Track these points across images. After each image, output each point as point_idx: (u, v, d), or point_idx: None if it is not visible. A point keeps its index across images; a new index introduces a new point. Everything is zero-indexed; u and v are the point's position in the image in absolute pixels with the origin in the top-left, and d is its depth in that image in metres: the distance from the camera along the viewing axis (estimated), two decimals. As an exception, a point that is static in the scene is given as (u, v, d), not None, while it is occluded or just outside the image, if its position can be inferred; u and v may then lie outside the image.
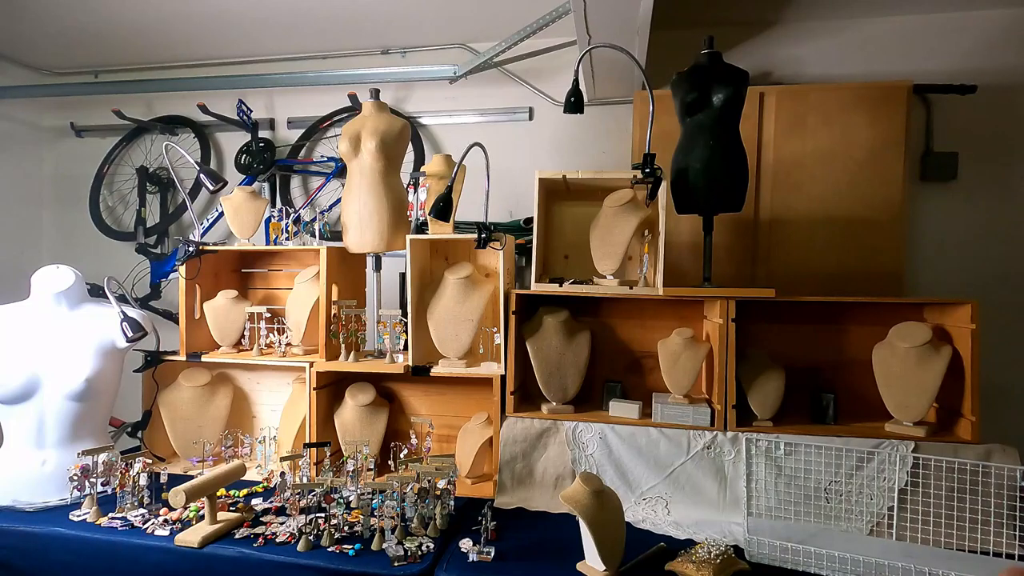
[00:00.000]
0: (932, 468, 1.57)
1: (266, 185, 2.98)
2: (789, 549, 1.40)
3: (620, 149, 2.67)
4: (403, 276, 2.15)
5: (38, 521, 1.61)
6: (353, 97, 2.78)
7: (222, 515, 1.60)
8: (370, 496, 1.61)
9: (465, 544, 1.48)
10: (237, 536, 1.53)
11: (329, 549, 1.46)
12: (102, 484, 1.71)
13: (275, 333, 2.15)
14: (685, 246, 2.25)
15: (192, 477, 1.73)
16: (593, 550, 1.34)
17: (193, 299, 2.17)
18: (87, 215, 3.15)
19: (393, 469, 1.94)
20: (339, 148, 2.10)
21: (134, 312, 1.92)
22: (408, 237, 1.92)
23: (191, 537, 1.49)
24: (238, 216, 2.20)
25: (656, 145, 1.75)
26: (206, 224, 2.86)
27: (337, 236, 2.22)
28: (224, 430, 2.13)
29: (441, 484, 1.60)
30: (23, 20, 2.64)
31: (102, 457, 1.72)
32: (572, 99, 1.72)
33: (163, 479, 1.78)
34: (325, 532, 1.49)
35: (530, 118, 2.80)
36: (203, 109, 2.90)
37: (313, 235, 2.16)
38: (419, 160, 2.78)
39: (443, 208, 1.79)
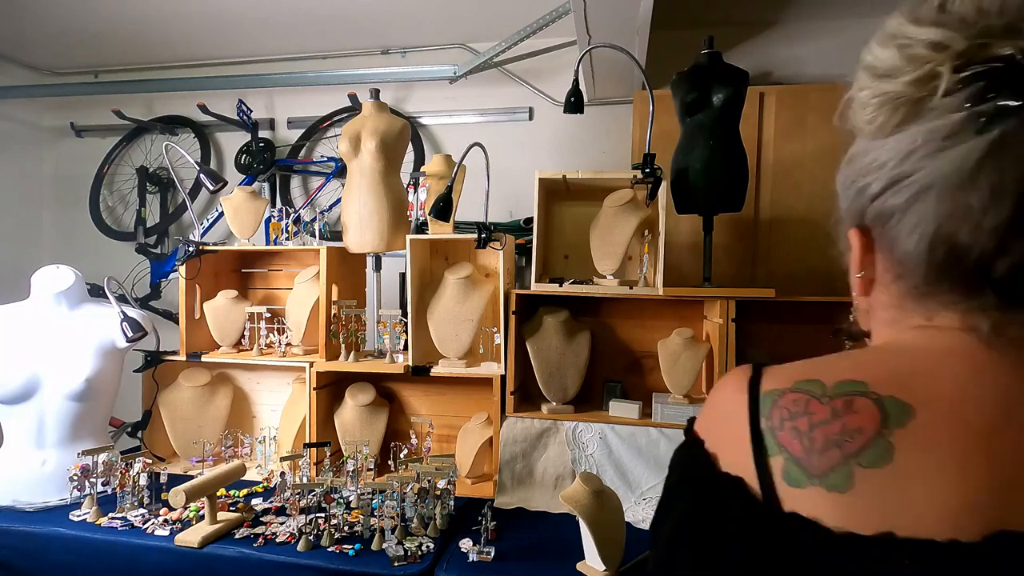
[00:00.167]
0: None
1: (266, 185, 2.98)
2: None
3: (620, 149, 2.67)
4: (403, 276, 2.15)
5: (38, 521, 1.61)
6: (353, 97, 2.78)
7: (222, 515, 1.60)
8: (370, 496, 1.61)
9: (465, 544, 1.48)
10: (237, 536, 1.53)
11: (329, 549, 1.46)
12: (102, 484, 1.71)
13: (275, 333, 2.15)
14: (685, 246, 2.25)
15: (192, 477, 1.73)
16: (593, 550, 1.34)
17: (193, 299, 2.17)
18: (87, 215, 3.15)
19: (393, 469, 1.94)
20: (339, 148, 2.10)
21: (134, 312, 1.92)
22: (408, 237, 1.92)
23: (191, 537, 1.49)
24: (238, 216, 2.20)
25: (656, 145, 1.75)
26: (206, 224, 2.86)
27: (337, 236, 2.22)
28: (224, 430, 2.13)
29: (441, 484, 1.60)
30: (23, 20, 2.64)
31: (102, 457, 1.72)
32: (572, 99, 1.72)
33: (163, 479, 1.78)
34: (325, 532, 1.49)
35: (530, 118, 2.80)
36: (203, 109, 2.90)
37: (313, 235, 2.16)
38: (419, 160, 2.78)
39: (443, 208, 1.79)
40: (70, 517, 1.63)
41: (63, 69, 3.17)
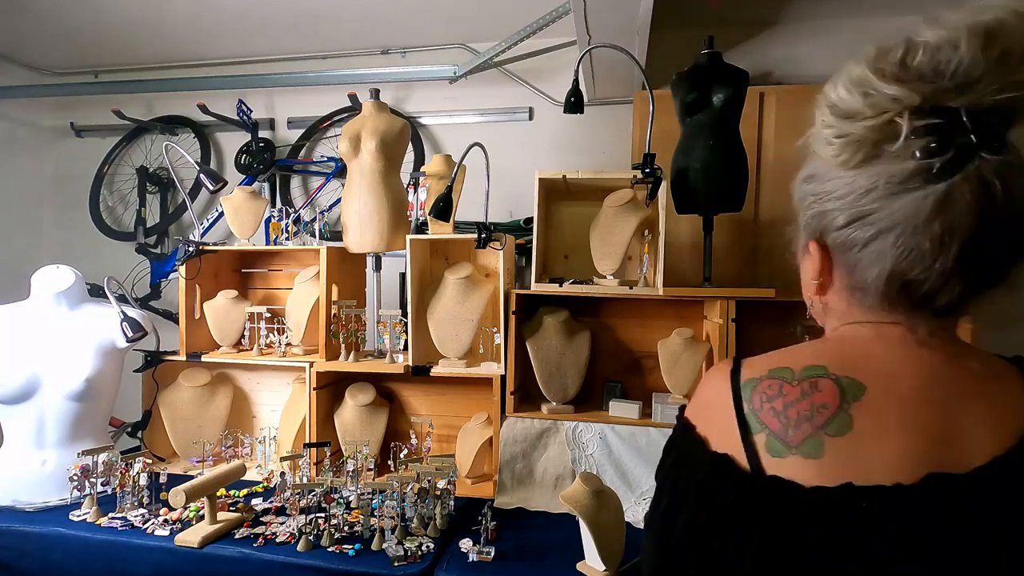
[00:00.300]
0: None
1: (266, 185, 2.98)
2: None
3: (620, 149, 2.67)
4: (403, 276, 2.15)
5: (38, 521, 1.61)
6: (353, 97, 2.78)
7: (222, 515, 1.60)
8: (370, 496, 1.61)
9: (465, 544, 1.48)
10: (237, 536, 1.53)
11: (329, 549, 1.46)
12: (102, 484, 1.71)
13: (275, 333, 2.15)
14: (685, 246, 2.25)
15: (192, 477, 1.73)
16: (593, 550, 1.34)
17: (193, 299, 2.17)
18: (87, 215, 3.15)
19: (393, 469, 1.94)
20: (339, 148, 2.10)
21: (134, 312, 1.92)
22: (408, 237, 1.92)
23: (191, 537, 1.49)
24: (238, 216, 2.20)
25: (656, 145, 1.75)
26: (206, 224, 2.86)
27: (337, 236, 2.22)
28: (224, 430, 2.13)
29: (441, 484, 1.60)
30: (23, 20, 2.64)
31: (102, 457, 1.72)
32: (572, 99, 1.72)
33: (163, 479, 1.78)
34: (325, 532, 1.49)
35: (530, 118, 2.79)
36: (203, 109, 2.90)
37: (313, 235, 2.16)
38: (419, 160, 2.78)
39: (443, 208, 1.79)
40: (70, 517, 1.63)
41: (63, 69, 3.17)
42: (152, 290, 2.95)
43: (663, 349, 1.86)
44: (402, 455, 1.89)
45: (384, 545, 1.46)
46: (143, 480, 1.70)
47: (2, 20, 2.62)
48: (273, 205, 2.92)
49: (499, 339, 1.90)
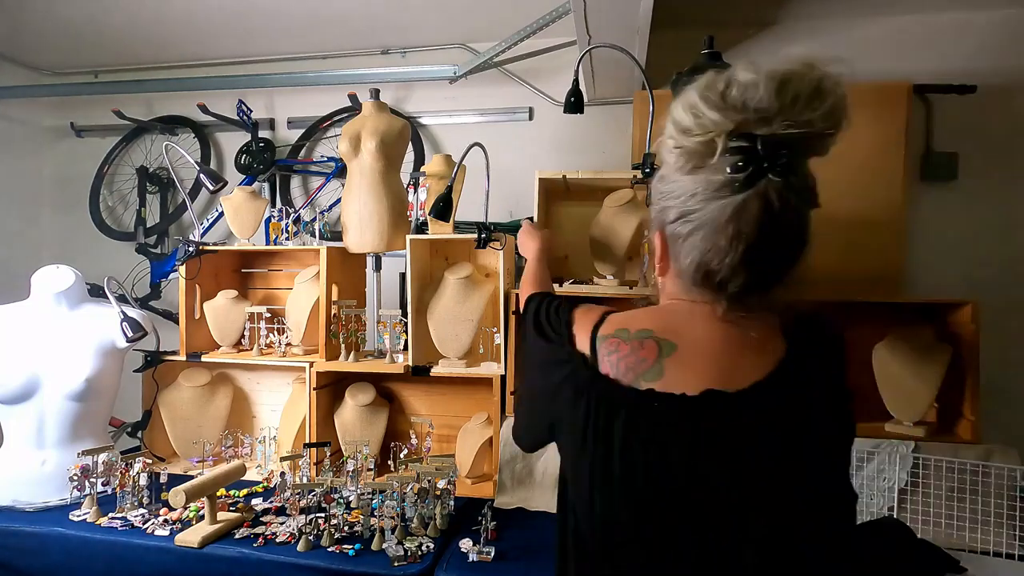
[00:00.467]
0: (932, 468, 1.57)
1: (266, 185, 2.98)
2: (789, 549, 1.40)
3: (620, 149, 2.67)
4: (403, 276, 2.15)
5: (38, 521, 1.62)
6: (353, 97, 2.78)
7: (222, 515, 1.60)
8: (370, 496, 1.61)
9: (465, 544, 1.48)
10: (237, 536, 1.53)
11: (329, 549, 1.46)
12: (102, 484, 1.72)
13: (275, 333, 2.15)
14: (685, 246, 2.25)
15: (192, 477, 1.73)
16: (593, 550, 1.34)
17: (193, 299, 2.17)
18: (87, 215, 3.15)
19: (393, 469, 1.94)
20: (339, 148, 2.10)
21: (134, 312, 1.92)
22: (408, 237, 1.92)
23: (191, 537, 1.49)
24: (238, 216, 2.20)
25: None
26: (206, 224, 2.86)
27: (337, 236, 2.22)
28: (224, 430, 2.13)
29: (441, 484, 1.60)
30: (23, 20, 2.64)
31: (102, 457, 1.72)
32: (572, 99, 1.72)
33: (163, 479, 1.78)
34: (325, 532, 1.49)
35: (530, 118, 2.79)
36: (203, 109, 2.90)
37: (313, 235, 2.16)
38: (419, 160, 2.78)
39: (443, 208, 1.79)
40: (70, 517, 1.63)
41: (63, 69, 3.17)
42: (152, 290, 2.95)
43: (663, 349, 1.85)
44: (402, 455, 1.89)
45: (384, 545, 1.46)
46: (143, 480, 1.70)
47: (2, 20, 2.62)
48: (273, 205, 2.92)
49: (499, 339, 1.90)
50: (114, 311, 1.86)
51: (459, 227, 2.19)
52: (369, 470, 1.85)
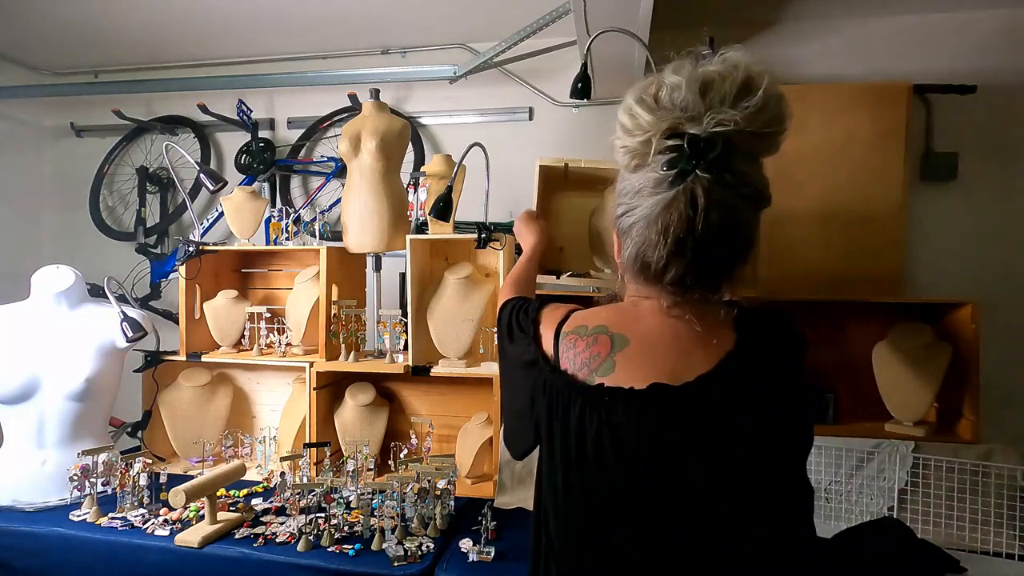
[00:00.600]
0: (932, 468, 1.57)
1: (266, 185, 2.98)
2: (789, 549, 1.40)
3: (620, 149, 2.67)
4: (403, 276, 2.15)
5: (38, 521, 1.62)
6: (353, 97, 2.78)
7: (222, 515, 1.60)
8: (370, 496, 1.61)
9: (465, 544, 1.48)
10: (237, 536, 1.53)
11: (329, 549, 1.46)
12: (102, 484, 1.71)
13: (275, 333, 2.15)
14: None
15: (192, 477, 1.73)
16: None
17: (193, 299, 2.17)
18: (87, 215, 3.15)
19: (393, 469, 1.94)
20: (339, 148, 2.10)
21: (134, 312, 1.92)
22: (408, 237, 1.92)
23: (191, 537, 1.49)
24: (238, 216, 2.20)
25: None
26: (206, 224, 2.86)
27: (337, 236, 2.22)
28: (224, 430, 2.13)
29: (441, 484, 1.60)
30: (23, 20, 2.64)
31: (102, 457, 1.72)
32: (579, 84, 1.68)
33: (163, 479, 1.78)
34: (325, 532, 1.49)
35: (530, 118, 2.79)
36: (203, 109, 2.90)
37: (313, 235, 2.16)
38: (419, 160, 2.78)
39: (443, 208, 1.79)
40: (70, 517, 1.63)
41: (63, 69, 3.17)
42: (152, 290, 2.95)
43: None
44: (402, 455, 1.89)
45: (384, 545, 1.46)
46: (143, 480, 1.70)
47: (2, 20, 2.62)
48: (273, 205, 2.92)
49: (499, 339, 1.89)
50: (114, 311, 1.86)
51: (459, 227, 2.19)
52: (369, 470, 1.85)
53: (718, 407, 0.76)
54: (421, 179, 2.23)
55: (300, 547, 1.46)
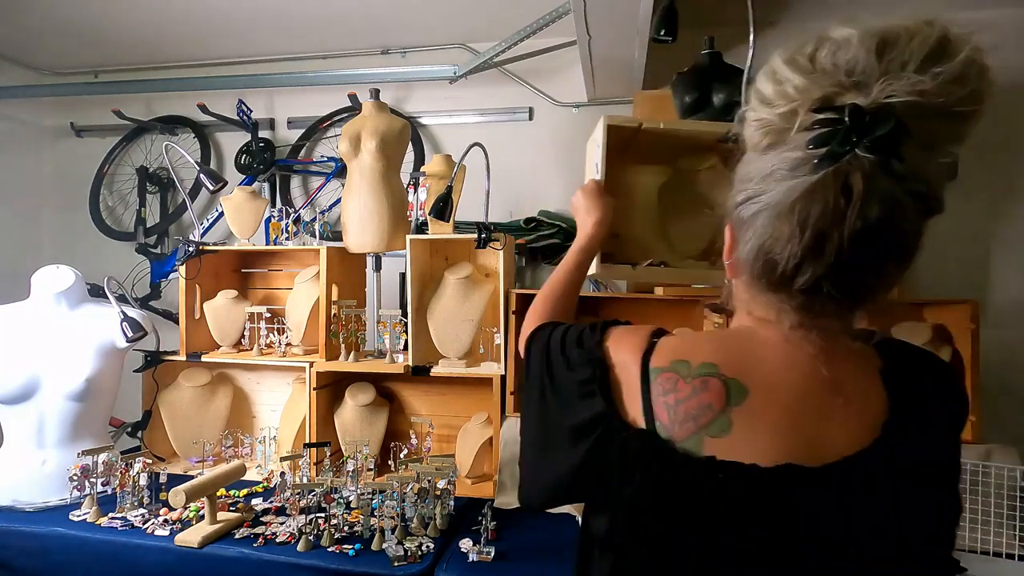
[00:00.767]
0: (932, 468, 1.56)
1: (266, 185, 2.98)
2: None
3: (620, 149, 2.67)
4: (403, 276, 2.15)
5: (38, 521, 1.61)
6: (353, 97, 2.78)
7: (222, 515, 1.60)
8: (370, 496, 1.61)
9: (465, 544, 1.48)
10: (237, 536, 1.53)
11: (329, 549, 1.46)
12: (102, 484, 1.71)
13: (275, 333, 2.15)
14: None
15: (192, 477, 1.73)
16: (593, 550, 1.34)
17: (193, 299, 2.17)
18: (87, 215, 3.15)
19: (393, 469, 1.94)
20: (339, 148, 2.10)
21: (134, 312, 1.92)
22: (408, 237, 1.92)
23: (191, 537, 1.49)
24: (238, 216, 2.20)
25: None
26: (206, 224, 2.86)
27: (337, 236, 2.22)
28: (224, 430, 2.13)
29: (441, 484, 1.60)
30: (23, 20, 2.64)
31: (102, 457, 1.72)
32: (663, 24, 1.64)
33: (163, 479, 1.78)
34: (325, 532, 1.49)
35: (530, 118, 2.79)
36: (203, 109, 2.90)
37: (313, 235, 2.16)
38: (419, 160, 2.78)
39: (443, 208, 1.79)
40: (70, 517, 1.63)
41: (63, 69, 3.17)
42: (152, 290, 2.95)
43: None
44: (402, 455, 1.89)
45: (384, 545, 1.46)
46: (143, 480, 1.70)
47: (2, 20, 2.62)
48: (273, 205, 2.92)
49: (499, 339, 1.90)
50: (114, 311, 1.86)
51: (459, 227, 2.20)
52: (369, 470, 1.85)
53: (872, 503, 0.59)
54: (421, 179, 2.23)
55: (300, 547, 1.46)
